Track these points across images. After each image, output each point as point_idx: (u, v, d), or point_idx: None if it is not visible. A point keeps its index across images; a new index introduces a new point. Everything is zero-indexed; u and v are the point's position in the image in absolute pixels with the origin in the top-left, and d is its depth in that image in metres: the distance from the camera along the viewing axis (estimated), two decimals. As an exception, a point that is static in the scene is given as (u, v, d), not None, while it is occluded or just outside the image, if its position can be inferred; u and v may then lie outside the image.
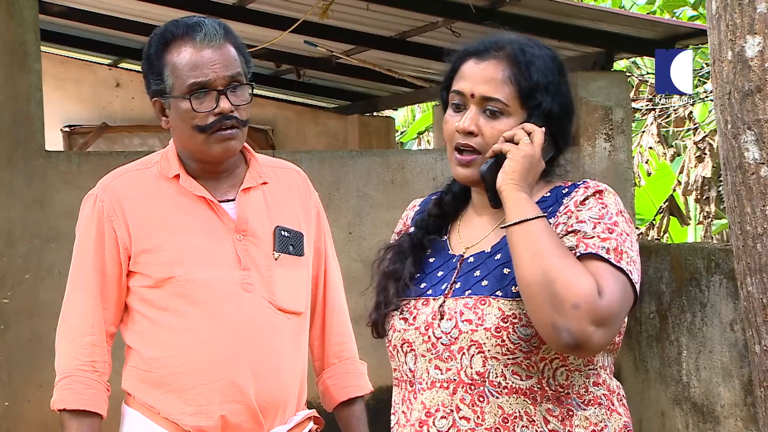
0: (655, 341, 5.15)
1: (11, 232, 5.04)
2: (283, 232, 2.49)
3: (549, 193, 1.99)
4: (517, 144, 1.92)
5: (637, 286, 1.89)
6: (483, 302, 1.90)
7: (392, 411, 2.03)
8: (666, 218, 9.23)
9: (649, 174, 10.15)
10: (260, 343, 2.43)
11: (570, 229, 1.89)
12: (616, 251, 1.86)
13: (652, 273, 5.11)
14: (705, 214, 9.12)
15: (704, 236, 9.37)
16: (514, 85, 1.95)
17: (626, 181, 5.92)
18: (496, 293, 1.90)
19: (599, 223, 1.89)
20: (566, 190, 1.97)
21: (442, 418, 1.91)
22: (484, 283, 1.93)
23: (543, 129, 1.95)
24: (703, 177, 9.03)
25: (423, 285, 2.01)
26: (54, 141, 8.74)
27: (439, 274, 2.01)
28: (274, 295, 2.45)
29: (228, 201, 2.49)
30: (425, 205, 2.15)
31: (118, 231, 2.45)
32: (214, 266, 2.43)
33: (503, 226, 1.91)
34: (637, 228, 8.28)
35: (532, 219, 1.86)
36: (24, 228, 5.05)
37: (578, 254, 1.85)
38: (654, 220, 9.41)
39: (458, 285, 1.96)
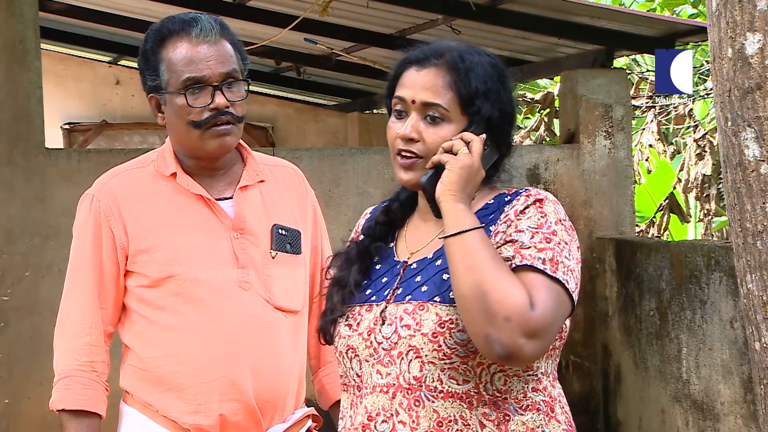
0: (654, 339, 5.15)
1: (11, 230, 5.04)
2: (280, 231, 2.49)
3: (492, 200, 2.01)
4: (455, 154, 1.93)
5: (575, 295, 1.91)
6: (422, 308, 1.93)
7: (340, 416, 2.06)
8: (666, 216, 9.22)
9: (649, 171, 10.15)
10: (258, 341, 2.43)
11: (508, 239, 1.92)
12: (552, 261, 1.88)
13: (652, 271, 5.11)
14: (705, 211, 9.12)
15: (704, 234, 9.37)
16: (454, 91, 1.97)
17: (626, 179, 5.93)
18: (434, 299, 1.93)
19: (537, 232, 1.91)
20: (508, 197, 2.00)
21: (383, 422, 1.93)
22: (424, 288, 1.96)
23: (483, 137, 1.97)
24: (704, 174, 9.03)
25: (368, 291, 2.04)
26: (54, 138, 8.74)
27: (384, 280, 2.04)
28: (271, 294, 2.46)
29: (225, 199, 2.49)
30: (375, 213, 2.18)
31: (116, 230, 2.45)
32: (211, 265, 2.43)
33: (440, 237, 1.93)
34: (637, 225, 8.27)
35: (468, 231, 1.88)
36: (24, 225, 5.05)
37: (513, 266, 1.88)
38: (654, 217, 9.41)
39: (400, 291, 1.99)
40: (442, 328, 1.90)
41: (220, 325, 2.41)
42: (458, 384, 1.90)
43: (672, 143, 10.45)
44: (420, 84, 1.99)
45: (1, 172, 5.03)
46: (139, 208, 2.46)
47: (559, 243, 1.91)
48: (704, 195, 9.03)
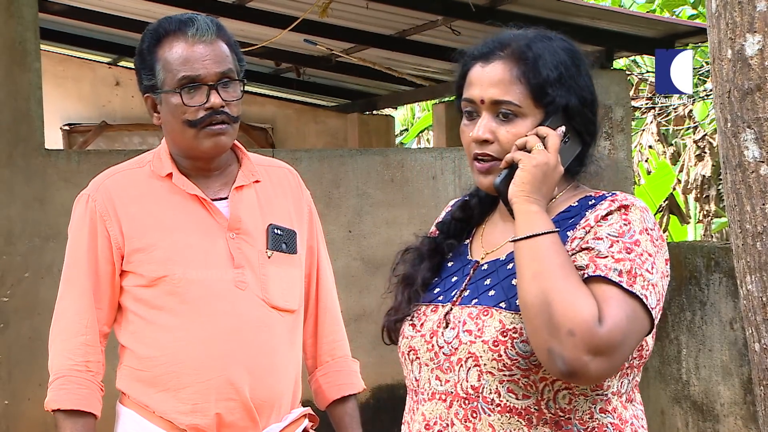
0: (654, 339, 5.15)
1: (11, 231, 5.04)
2: (276, 231, 2.49)
3: (576, 203, 1.87)
4: (530, 152, 1.80)
5: (655, 311, 1.76)
6: (486, 313, 1.81)
7: (403, 420, 1.95)
8: (666, 217, 9.23)
9: (648, 172, 10.15)
10: (254, 340, 2.43)
11: (584, 246, 1.77)
12: (630, 274, 1.73)
13: (651, 271, 5.10)
14: (705, 212, 9.13)
15: (704, 235, 9.38)
16: (524, 83, 1.83)
17: (626, 180, 5.92)
18: (500, 304, 1.80)
19: (617, 241, 1.76)
20: (593, 201, 1.85)
21: (439, 431, 1.83)
22: (491, 292, 1.83)
23: (561, 129, 1.83)
24: (703, 175, 9.03)
25: (436, 290, 1.93)
26: (54, 139, 8.74)
27: (453, 279, 1.93)
28: (267, 293, 2.45)
29: (221, 199, 2.49)
30: (453, 208, 2.06)
31: (111, 230, 2.45)
32: (207, 265, 2.43)
33: (511, 240, 1.80)
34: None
35: (540, 235, 1.74)
36: (24, 226, 5.05)
37: (586, 276, 1.73)
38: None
39: (467, 293, 1.87)
40: (505, 336, 1.77)
41: (216, 324, 2.41)
42: (517, 399, 1.77)
43: (672, 144, 10.45)
44: (487, 80, 1.85)
45: (1, 173, 5.03)
46: (135, 208, 2.46)
47: (641, 254, 1.76)
48: (704, 196, 9.04)
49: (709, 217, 9.17)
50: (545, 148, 1.80)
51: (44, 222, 5.05)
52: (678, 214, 9.28)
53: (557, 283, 1.70)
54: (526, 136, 1.82)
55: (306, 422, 2.56)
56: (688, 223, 9.56)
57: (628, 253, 1.75)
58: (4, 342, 5.03)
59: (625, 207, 1.80)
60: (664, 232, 9.27)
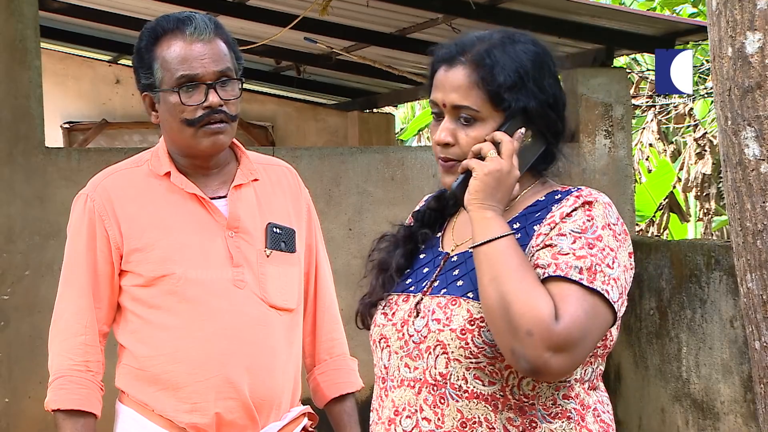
0: (654, 338, 5.15)
1: (11, 229, 5.04)
2: (275, 229, 2.49)
3: (543, 197, 1.92)
4: (484, 158, 1.85)
5: (617, 304, 1.81)
6: (454, 302, 1.86)
7: (371, 408, 2.01)
8: (666, 215, 9.23)
9: (649, 171, 10.15)
10: (253, 339, 2.42)
11: (548, 242, 1.83)
12: (590, 271, 1.78)
13: (652, 270, 5.11)
14: (705, 210, 9.13)
15: (704, 233, 9.38)
16: (482, 89, 1.88)
17: (626, 178, 5.92)
18: (468, 294, 1.86)
19: (579, 237, 1.81)
20: (559, 195, 1.90)
21: (407, 417, 1.89)
22: (459, 283, 1.89)
23: (519, 133, 1.87)
24: (703, 174, 9.03)
25: (408, 281, 1.99)
26: (54, 137, 8.74)
27: (425, 270, 1.98)
28: (266, 292, 2.45)
29: (219, 198, 2.48)
30: (429, 199, 2.12)
31: (110, 230, 2.45)
32: (206, 264, 2.43)
33: (470, 247, 1.87)
34: (637, 224, 8.27)
35: (494, 240, 1.80)
36: (24, 224, 5.05)
37: (546, 275, 1.79)
38: (654, 216, 9.42)
39: (437, 283, 1.93)
40: (472, 325, 1.83)
41: (215, 323, 2.41)
42: (483, 385, 1.84)
43: (672, 142, 10.45)
44: (449, 85, 1.91)
45: (1, 171, 5.03)
46: (134, 207, 2.46)
47: (603, 249, 1.81)
48: (704, 194, 9.04)
49: (710, 215, 9.17)
50: (499, 154, 1.85)
51: (44, 220, 5.06)
52: (678, 212, 9.28)
53: (513, 285, 1.76)
54: (484, 140, 1.87)
55: (305, 421, 2.56)
56: (688, 221, 9.56)
57: (590, 249, 1.80)
58: (5, 340, 5.04)
59: (589, 203, 1.85)
60: (665, 230, 9.27)
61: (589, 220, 1.83)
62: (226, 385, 2.40)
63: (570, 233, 1.82)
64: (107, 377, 2.48)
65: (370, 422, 2.00)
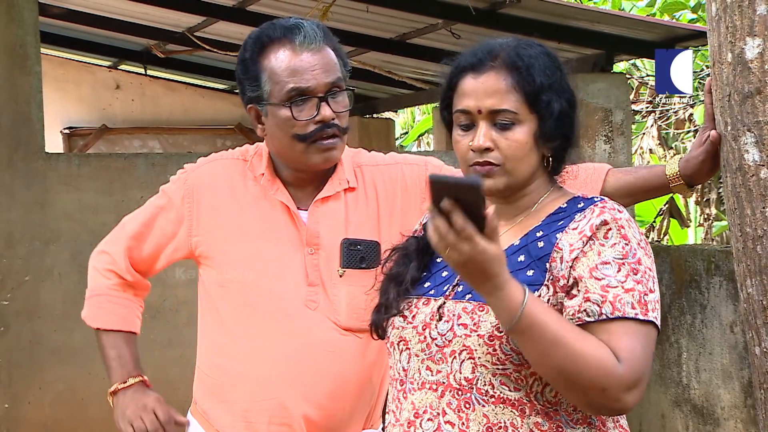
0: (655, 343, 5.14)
1: (11, 234, 5.04)
2: (352, 246, 2.38)
3: (566, 204, 1.93)
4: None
5: (658, 321, 1.85)
6: (481, 308, 1.85)
7: (387, 410, 2.00)
8: (666, 220, 9.22)
9: (649, 176, 10.12)
10: (318, 365, 2.35)
11: (594, 273, 1.81)
12: (641, 303, 1.81)
13: (652, 275, 5.10)
14: (705, 216, 9.12)
15: (704, 238, 9.37)
16: (519, 91, 1.88)
17: (626, 183, 5.92)
18: None
19: (623, 264, 1.82)
20: (581, 203, 1.91)
21: (428, 420, 1.87)
22: None
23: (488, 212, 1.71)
24: (703, 179, 9.01)
25: (427, 284, 1.97)
26: (54, 143, 8.74)
27: (444, 274, 1.96)
28: (338, 315, 2.36)
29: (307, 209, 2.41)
30: None
31: (188, 213, 2.43)
32: (281, 277, 2.36)
33: (505, 330, 1.81)
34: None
35: (517, 321, 1.74)
36: (24, 230, 5.05)
37: (605, 317, 1.79)
38: (654, 222, 9.41)
39: (460, 288, 1.91)
40: (500, 332, 1.82)
41: (280, 344, 2.34)
42: (510, 390, 1.84)
43: (672, 147, 10.45)
44: (482, 91, 1.89)
45: (2, 176, 5.03)
46: (220, 200, 2.42)
47: (645, 273, 1.83)
48: (704, 199, 9.03)
49: (710, 221, 9.16)
50: (471, 239, 1.70)
51: (44, 225, 5.05)
52: (678, 217, 9.27)
53: (565, 356, 1.76)
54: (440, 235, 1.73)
55: None
56: (688, 226, 9.55)
57: (635, 275, 1.82)
58: (5, 345, 5.03)
59: (618, 224, 1.85)
60: (665, 235, 9.27)
61: (627, 244, 1.84)
62: (280, 409, 2.35)
63: (613, 261, 1.83)
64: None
65: (386, 423, 2.00)
